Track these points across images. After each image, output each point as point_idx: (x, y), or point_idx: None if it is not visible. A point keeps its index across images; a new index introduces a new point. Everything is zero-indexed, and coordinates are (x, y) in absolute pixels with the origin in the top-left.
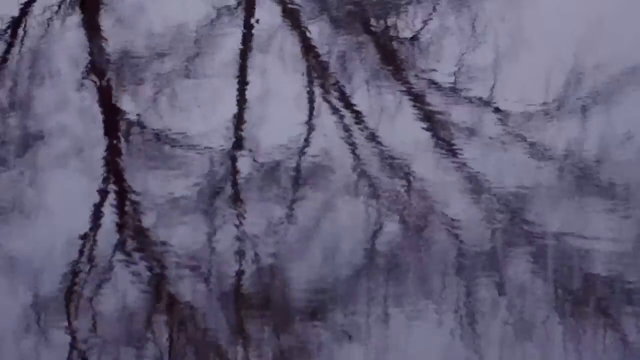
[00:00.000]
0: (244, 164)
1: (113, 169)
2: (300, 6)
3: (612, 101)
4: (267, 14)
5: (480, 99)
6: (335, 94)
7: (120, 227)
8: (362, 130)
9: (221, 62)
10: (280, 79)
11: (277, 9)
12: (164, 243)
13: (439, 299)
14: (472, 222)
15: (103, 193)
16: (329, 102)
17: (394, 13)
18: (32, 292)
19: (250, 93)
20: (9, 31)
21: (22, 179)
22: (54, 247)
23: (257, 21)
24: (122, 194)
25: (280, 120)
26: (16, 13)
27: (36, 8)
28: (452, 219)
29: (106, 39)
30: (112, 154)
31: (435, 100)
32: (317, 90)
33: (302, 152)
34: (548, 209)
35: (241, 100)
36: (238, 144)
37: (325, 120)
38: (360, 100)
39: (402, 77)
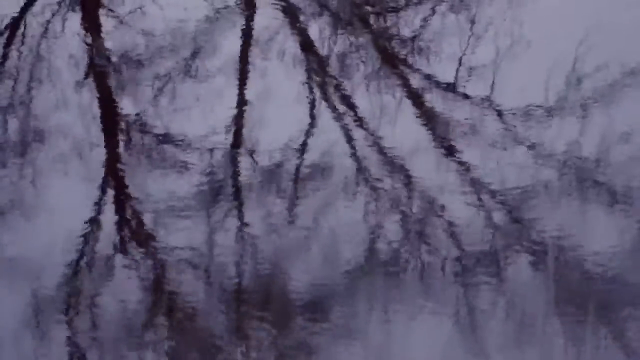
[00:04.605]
0: (244, 164)
1: (113, 169)
2: (300, 6)
3: (612, 101)
4: (267, 14)
5: (480, 98)
6: (335, 93)
7: (120, 227)
8: (362, 130)
9: (221, 62)
10: (280, 79)
11: (277, 9)
12: (164, 243)
13: (439, 299)
14: (471, 222)
15: (103, 193)
16: (329, 102)
17: (394, 13)
18: (32, 292)
19: (250, 93)
20: (8, 31)
21: (22, 179)
22: (54, 247)
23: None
24: (122, 194)
25: (280, 120)
26: (16, 13)
27: (36, 8)
28: (452, 219)
29: (106, 39)
30: (111, 153)
31: (435, 100)
32: (317, 90)
33: (302, 152)
34: (548, 209)
35: (241, 100)
36: (238, 144)
37: (325, 120)
38: (360, 100)
39: (402, 76)
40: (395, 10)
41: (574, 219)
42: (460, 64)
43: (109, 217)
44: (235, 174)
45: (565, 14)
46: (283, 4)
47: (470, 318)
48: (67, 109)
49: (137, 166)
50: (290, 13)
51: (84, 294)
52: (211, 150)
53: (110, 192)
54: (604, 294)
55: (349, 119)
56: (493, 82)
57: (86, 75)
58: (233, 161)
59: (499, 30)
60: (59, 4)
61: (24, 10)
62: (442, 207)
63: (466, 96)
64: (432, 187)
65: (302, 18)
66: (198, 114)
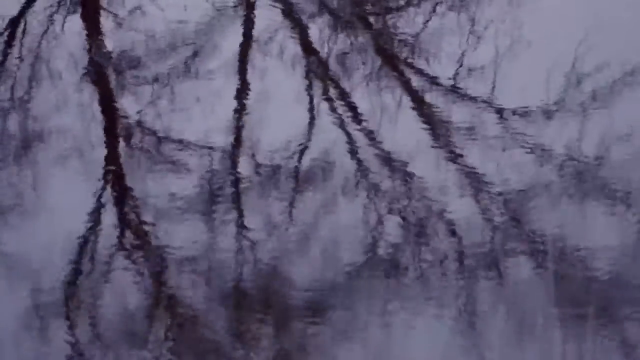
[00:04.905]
0: (244, 164)
1: (113, 169)
2: (300, 6)
3: (612, 101)
4: (267, 14)
5: (480, 98)
6: (335, 94)
7: (120, 227)
8: (362, 130)
9: (221, 62)
10: (280, 79)
11: (277, 9)
12: (163, 243)
13: (439, 299)
14: (472, 222)
15: (103, 193)
16: (329, 102)
17: (394, 13)
18: (31, 292)
19: (251, 93)
20: (8, 31)
21: (22, 179)
22: (54, 247)
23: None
24: (122, 193)
25: (280, 120)
26: (16, 12)
27: (36, 8)
28: (452, 219)
29: (106, 39)
30: (111, 153)
31: (435, 100)
32: (317, 90)
33: (302, 152)
34: (548, 209)
35: (241, 100)
36: (238, 144)
37: (325, 120)
38: (360, 100)
39: (402, 76)
40: (395, 10)
41: (574, 218)
42: (460, 64)
43: (108, 217)
44: (235, 174)
45: (566, 14)
46: (283, 4)
47: (470, 318)
48: (67, 109)
49: (137, 166)
50: (290, 13)
51: (83, 294)
52: (211, 150)
53: (110, 192)
54: (604, 294)
55: (348, 119)
56: (493, 82)
57: (86, 75)
58: (233, 161)
59: (499, 30)
60: (59, 4)
61: (24, 10)
62: (442, 207)
63: (466, 96)
64: (431, 187)
65: (302, 18)
66: (198, 114)
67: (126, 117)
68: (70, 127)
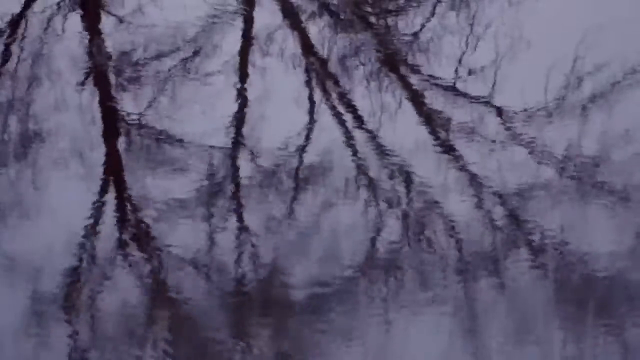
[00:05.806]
0: (244, 164)
1: (113, 169)
2: (300, 6)
3: (612, 101)
4: (267, 14)
5: (480, 98)
6: (335, 93)
7: (120, 227)
8: (362, 130)
9: (221, 62)
10: (280, 79)
11: (277, 9)
12: (164, 243)
13: (439, 299)
14: (472, 222)
15: (103, 193)
16: (329, 102)
17: (394, 13)
18: (32, 292)
19: (250, 93)
20: (8, 31)
21: (22, 179)
22: (54, 247)
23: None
24: (122, 193)
25: (280, 120)
26: (16, 12)
27: (36, 8)
28: (452, 219)
29: (106, 39)
30: (112, 153)
31: (435, 100)
32: (317, 90)
33: (302, 152)
34: (548, 209)
35: (241, 100)
36: (238, 143)
37: (325, 120)
38: (360, 100)
39: (402, 77)
40: (395, 10)
41: (574, 218)
42: (460, 64)
43: (108, 217)
44: (235, 174)
45: (566, 13)
46: (283, 3)
47: (470, 318)
48: (67, 109)
49: (137, 166)
50: (290, 13)
51: (83, 294)
52: (211, 149)
53: (110, 192)
54: (604, 294)
55: (348, 119)
56: (493, 82)
57: (86, 76)
58: (232, 161)
59: (499, 30)
60: (59, 4)
61: (25, 9)
62: (442, 207)
63: (466, 96)
64: (431, 187)
65: (302, 18)
66: (198, 114)
67: (126, 117)
68: (70, 127)
